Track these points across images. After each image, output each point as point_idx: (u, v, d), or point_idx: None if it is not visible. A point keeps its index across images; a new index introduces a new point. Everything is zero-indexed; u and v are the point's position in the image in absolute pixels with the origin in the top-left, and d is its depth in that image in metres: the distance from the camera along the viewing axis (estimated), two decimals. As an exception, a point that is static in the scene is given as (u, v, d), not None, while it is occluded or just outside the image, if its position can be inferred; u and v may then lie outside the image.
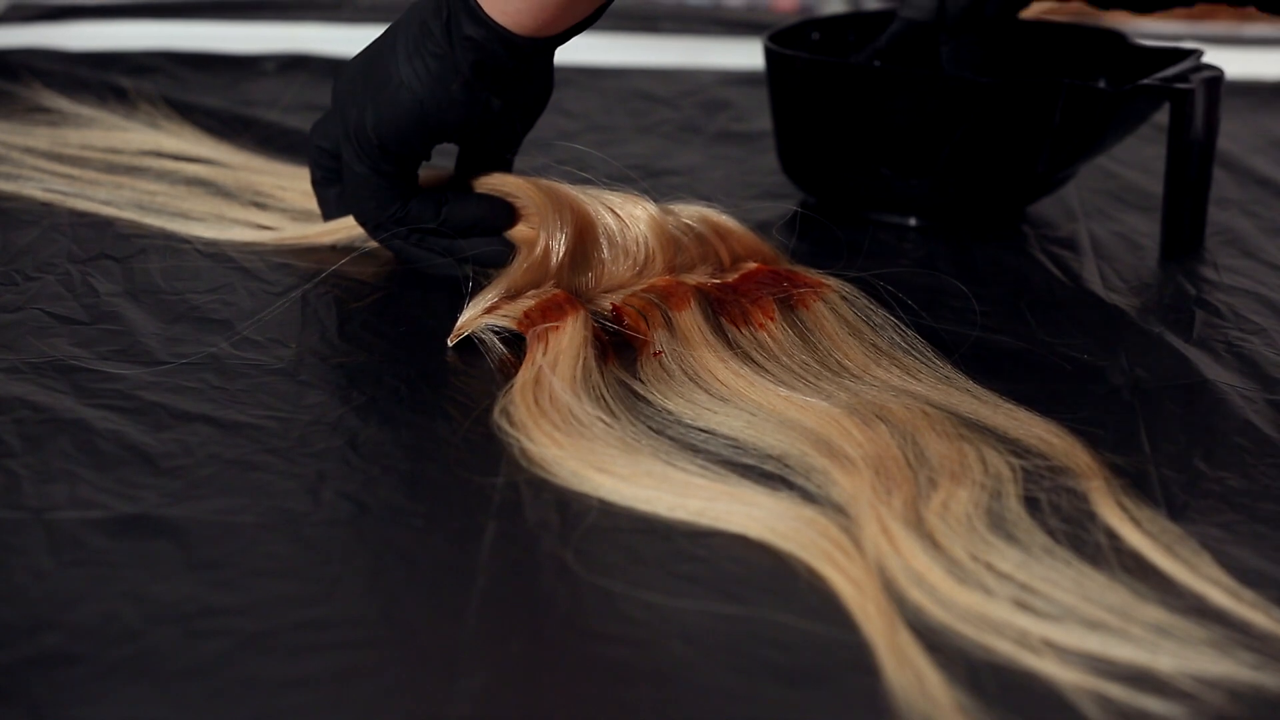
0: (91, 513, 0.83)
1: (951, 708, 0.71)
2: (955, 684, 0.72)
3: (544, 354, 0.96)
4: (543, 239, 1.03)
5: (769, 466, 0.88)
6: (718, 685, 0.73)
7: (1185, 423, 0.94)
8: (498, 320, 1.01)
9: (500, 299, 1.01)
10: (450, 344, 1.00)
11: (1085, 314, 1.06)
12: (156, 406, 0.92)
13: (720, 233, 1.07)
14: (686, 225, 1.06)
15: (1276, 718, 0.72)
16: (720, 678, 0.73)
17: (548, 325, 0.98)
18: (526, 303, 1.01)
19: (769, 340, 1.00)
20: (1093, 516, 0.84)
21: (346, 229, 1.11)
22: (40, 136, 1.30)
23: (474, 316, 1.01)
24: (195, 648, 0.74)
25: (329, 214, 1.12)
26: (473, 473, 0.88)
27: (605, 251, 1.04)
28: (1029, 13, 1.28)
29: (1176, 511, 0.85)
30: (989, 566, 0.80)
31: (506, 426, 0.91)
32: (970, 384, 0.96)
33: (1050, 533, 0.83)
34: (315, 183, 1.12)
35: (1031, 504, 0.85)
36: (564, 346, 0.96)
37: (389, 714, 0.71)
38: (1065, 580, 0.79)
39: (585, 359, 0.95)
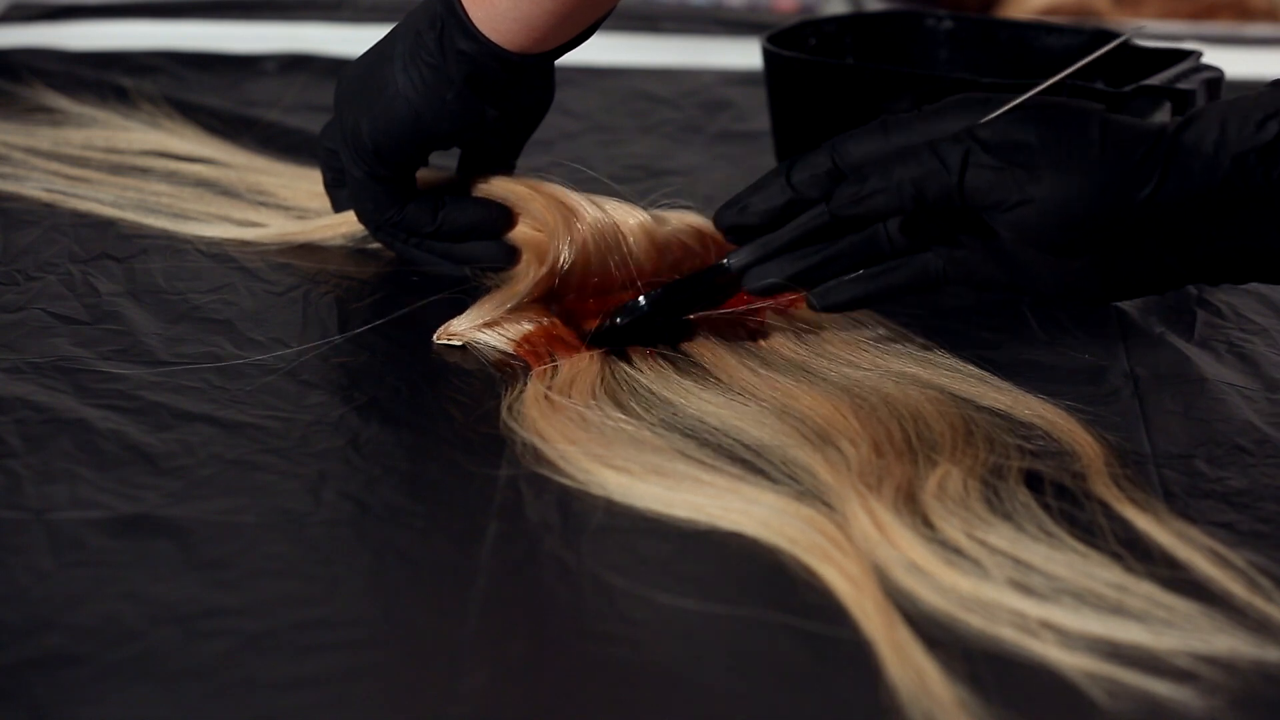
0: (92, 513, 0.83)
1: (953, 704, 0.71)
2: (956, 678, 0.72)
3: (556, 375, 0.95)
4: (551, 255, 1.03)
5: (761, 464, 0.88)
6: (718, 685, 0.73)
7: (1186, 423, 0.94)
8: (494, 338, 1.00)
9: (502, 315, 1.01)
10: (436, 341, 1.01)
11: (1085, 314, 1.06)
12: (158, 406, 0.92)
13: (707, 242, 1.07)
14: (674, 234, 1.06)
15: (1278, 692, 0.72)
16: (720, 678, 0.73)
17: (555, 363, 0.97)
18: (525, 327, 1.01)
19: (763, 342, 1.00)
20: (1090, 494, 0.85)
21: (348, 223, 1.12)
22: (42, 136, 1.30)
23: (470, 326, 1.01)
24: (196, 648, 0.74)
25: (340, 211, 1.13)
26: (474, 473, 0.88)
27: (594, 258, 1.03)
28: (1029, 13, 1.28)
29: (1177, 511, 0.85)
30: (984, 544, 0.80)
31: (516, 427, 0.91)
32: (967, 366, 0.97)
33: (1048, 510, 0.83)
34: (327, 185, 1.13)
35: (1031, 481, 0.86)
36: (579, 372, 0.96)
37: (390, 714, 0.71)
38: (1063, 558, 0.79)
39: (603, 380, 0.95)
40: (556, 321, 1.01)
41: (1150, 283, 0.92)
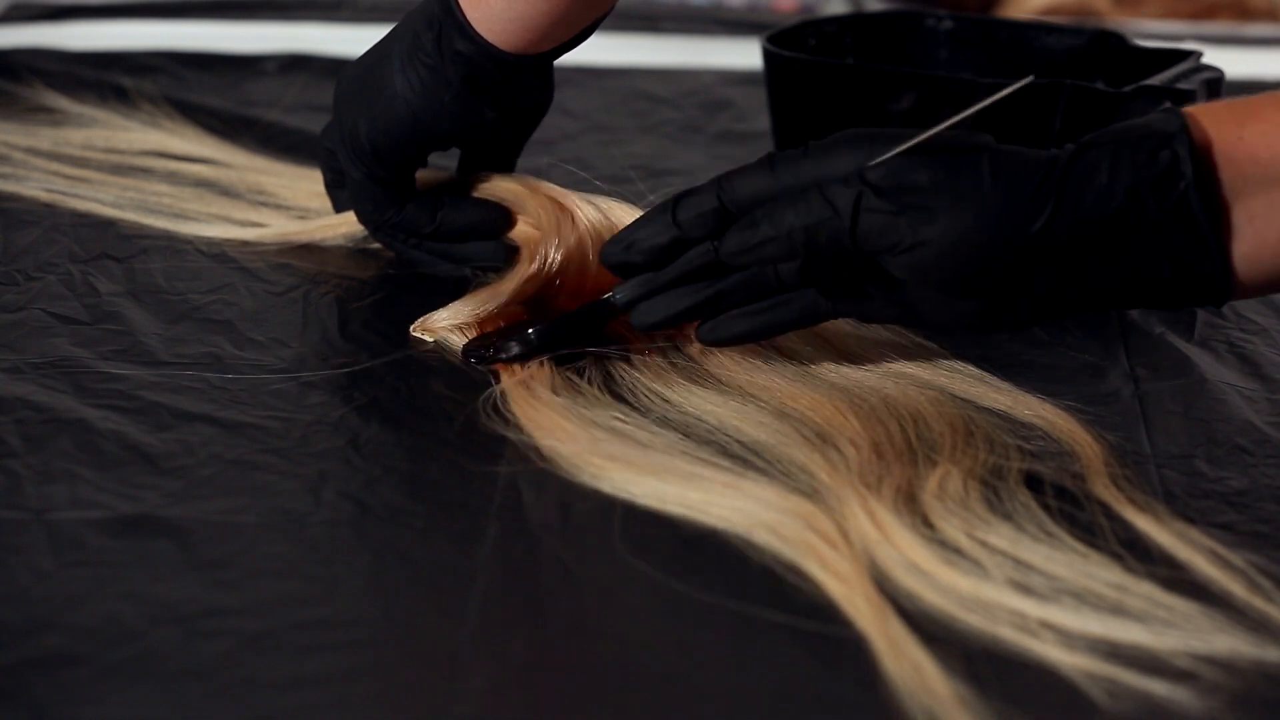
0: (92, 513, 0.83)
1: (952, 700, 0.71)
2: (954, 674, 0.72)
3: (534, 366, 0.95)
4: (539, 257, 1.03)
5: (759, 463, 0.88)
6: (718, 685, 0.73)
7: (1186, 423, 0.94)
8: (463, 339, 1.00)
9: (481, 315, 1.01)
10: (411, 332, 1.01)
11: (1085, 314, 1.06)
12: (158, 406, 0.93)
13: None
14: None
15: (1277, 692, 0.72)
16: (720, 678, 0.73)
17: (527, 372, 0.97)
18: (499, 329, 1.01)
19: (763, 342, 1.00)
20: (1090, 495, 0.85)
21: (348, 223, 1.12)
22: (42, 136, 1.30)
23: (448, 323, 1.01)
24: (196, 648, 0.74)
25: (340, 212, 1.13)
26: (474, 473, 0.88)
27: (591, 258, 1.03)
28: (1029, 13, 1.28)
29: (1177, 512, 0.85)
30: (984, 544, 0.80)
31: (513, 427, 0.91)
32: (967, 366, 0.97)
33: (1048, 510, 0.83)
34: (327, 185, 1.13)
35: (1031, 481, 0.86)
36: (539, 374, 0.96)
37: (390, 714, 0.71)
38: (1063, 558, 0.79)
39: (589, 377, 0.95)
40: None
41: (1044, 312, 0.90)
